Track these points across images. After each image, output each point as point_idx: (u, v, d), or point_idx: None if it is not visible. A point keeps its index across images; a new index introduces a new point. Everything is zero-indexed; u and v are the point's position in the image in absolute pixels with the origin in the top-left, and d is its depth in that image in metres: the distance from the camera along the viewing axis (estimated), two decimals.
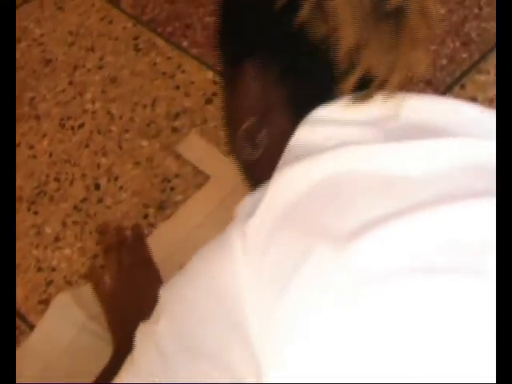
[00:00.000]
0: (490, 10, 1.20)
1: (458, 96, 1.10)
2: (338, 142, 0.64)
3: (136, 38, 1.19)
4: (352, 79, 0.65)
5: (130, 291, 0.89)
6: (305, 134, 0.65)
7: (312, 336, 0.58)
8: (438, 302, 0.57)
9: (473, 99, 1.09)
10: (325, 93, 0.66)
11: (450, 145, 0.65)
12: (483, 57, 1.14)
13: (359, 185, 0.62)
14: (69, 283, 0.94)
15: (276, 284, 0.59)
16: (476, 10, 1.21)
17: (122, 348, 0.72)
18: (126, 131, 1.08)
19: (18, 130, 1.07)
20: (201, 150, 1.04)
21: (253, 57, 0.68)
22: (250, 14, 0.72)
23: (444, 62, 1.14)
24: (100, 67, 1.16)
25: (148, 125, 1.08)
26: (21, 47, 1.18)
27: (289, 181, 0.62)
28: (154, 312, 0.63)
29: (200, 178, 1.02)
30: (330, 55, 0.65)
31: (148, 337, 0.63)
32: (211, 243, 0.62)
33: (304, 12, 0.64)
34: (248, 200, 0.62)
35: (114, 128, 1.09)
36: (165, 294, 0.63)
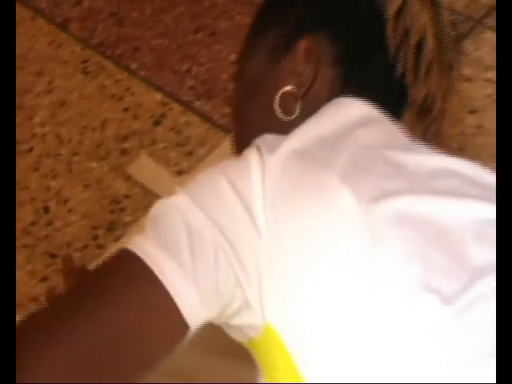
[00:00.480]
0: None
1: None
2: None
3: (85, 62, 1.20)
4: (414, 108, 0.78)
5: None
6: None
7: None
8: None
9: None
10: (377, 100, 0.73)
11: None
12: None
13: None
14: (19, 306, 0.91)
15: (286, 207, 0.63)
16: None
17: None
18: (76, 154, 1.08)
19: None
20: (151, 171, 1.05)
21: (319, 31, 0.75)
22: None
23: None
24: (49, 91, 1.17)
25: (97, 147, 1.09)
26: None
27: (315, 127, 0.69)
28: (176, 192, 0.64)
29: (149, 199, 1.01)
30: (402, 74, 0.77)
31: (165, 206, 0.63)
32: (229, 163, 0.66)
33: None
34: (266, 141, 0.67)
35: (63, 151, 1.09)
36: (178, 188, 0.64)
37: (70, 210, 1.03)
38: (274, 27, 0.80)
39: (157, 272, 0.57)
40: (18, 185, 1.05)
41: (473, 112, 1.14)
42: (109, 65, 1.19)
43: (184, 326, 0.59)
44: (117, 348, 0.59)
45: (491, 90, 1.15)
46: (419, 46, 0.79)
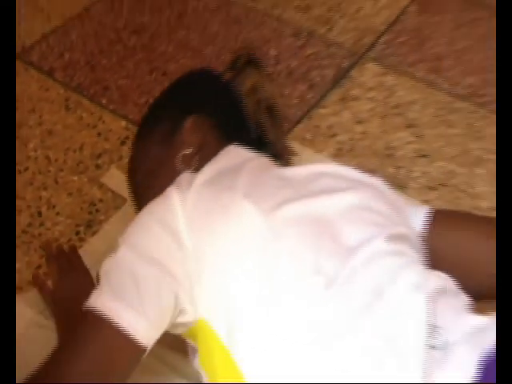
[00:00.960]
0: (330, 62, 1.33)
1: (306, 125, 1.21)
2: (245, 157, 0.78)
3: (67, 100, 1.24)
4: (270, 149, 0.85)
5: (68, 289, 0.91)
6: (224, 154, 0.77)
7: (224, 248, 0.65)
8: None
9: (316, 126, 1.21)
10: (244, 143, 0.80)
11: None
12: (324, 96, 1.26)
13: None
14: (19, 289, 0.95)
15: (203, 225, 0.66)
16: (317, 63, 1.33)
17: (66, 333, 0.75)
18: (61, 170, 1.11)
19: None
20: (119, 179, 1.07)
21: (200, 113, 0.80)
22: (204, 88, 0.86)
23: (295, 101, 1.24)
24: (39, 124, 1.19)
25: (77, 164, 1.12)
26: None
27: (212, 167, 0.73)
28: (112, 252, 0.67)
29: (119, 201, 1.06)
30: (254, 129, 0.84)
31: (113, 261, 0.65)
32: (154, 201, 0.69)
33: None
34: (184, 178, 0.71)
35: (51, 168, 1.12)
36: (120, 240, 0.67)
37: (57, 213, 1.05)
38: (161, 122, 0.83)
39: (116, 318, 0.61)
40: (18, 196, 1.07)
41: (359, 122, 1.22)
42: (85, 101, 1.23)
43: (143, 347, 0.63)
44: (103, 371, 0.62)
45: (373, 105, 1.25)
46: (268, 109, 0.86)
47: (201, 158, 0.77)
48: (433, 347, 0.60)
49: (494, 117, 1.23)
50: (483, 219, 0.85)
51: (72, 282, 0.92)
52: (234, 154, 0.78)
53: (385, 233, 0.69)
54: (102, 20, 1.41)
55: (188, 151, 0.78)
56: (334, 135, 1.19)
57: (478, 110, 1.25)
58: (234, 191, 0.69)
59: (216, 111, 0.83)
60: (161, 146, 0.81)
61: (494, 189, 1.11)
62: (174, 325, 0.67)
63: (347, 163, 1.11)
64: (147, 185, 0.80)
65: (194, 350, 0.70)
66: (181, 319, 0.67)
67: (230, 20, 1.42)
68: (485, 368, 0.57)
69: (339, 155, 1.15)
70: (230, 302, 0.64)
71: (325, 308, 0.62)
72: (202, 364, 0.69)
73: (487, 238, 0.76)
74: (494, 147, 1.18)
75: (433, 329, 0.61)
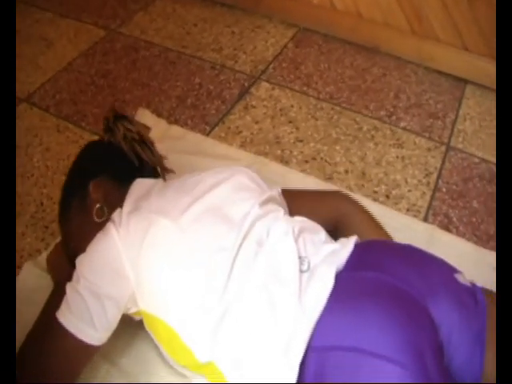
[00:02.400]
0: (236, 84, 1.30)
1: (220, 128, 1.18)
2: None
3: (58, 126, 1.19)
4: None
5: (58, 257, 0.83)
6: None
7: (157, 266, 0.61)
8: None
9: (228, 128, 1.18)
10: (140, 175, 0.75)
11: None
12: (232, 107, 1.24)
13: (169, 190, 0.70)
14: (30, 255, 0.92)
15: (135, 244, 0.62)
16: (227, 85, 1.30)
17: (59, 283, 0.70)
18: (55, 173, 1.09)
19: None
20: None
21: (97, 178, 0.73)
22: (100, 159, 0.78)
23: (213, 112, 1.21)
24: (40, 144, 1.15)
25: (66, 169, 0.99)
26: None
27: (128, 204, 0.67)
28: (74, 274, 0.62)
29: None
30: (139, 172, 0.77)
31: (73, 289, 0.62)
32: (99, 235, 0.64)
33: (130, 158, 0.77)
34: (115, 215, 0.65)
35: (49, 173, 1.08)
36: (77, 263, 0.63)
37: (54, 203, 1.02)
38: (73, 194, 0.75)
39: (73, 330, 0.59)
40: (27, 193, 1.04)
41: (257, 122, 1.20)
42: (70, 125, 1.19)
43: (96, 346, 0.61)
44: (64, 368, 0.61)
45: (266, 110, 1.22)
46: (140, 143, 0.78)
47: (109, 207, 0.70)
48: (302, 271, 0.60)
49: (345, 112, 1.24)
50: (307, 191, 0.86)
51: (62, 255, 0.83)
52: (141, 185, 0.72)
53: (258, 202, 0.68)
54: (80, 70, 1.36)
55: (98, 206, 0.70)
56: (239, 132, 1.18)
57: (335, 107, 1.25)
58: (150, 211, 0.64)
59: (107, 168, 0.76)
60: (80, 213, 0.73)
61: (346, 159, 1.12)
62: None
63: (249, 151, 1.12)
64: (82, 247, 0.67)
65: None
66: (127, 312, 0.65)
67: (167, 62, 1.39)
68: (336, 277, 0.58)
69: (244, 145, 1.14)
70: (162, 291, 0.61)
71: (232, 268, 0.60)
72: (148, 327, 0.66)
73: (308, 198, 0.80)
74: (347, 131, 1.18)
75: (301, 259, 0.61)
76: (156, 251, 0.62)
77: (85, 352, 0.61)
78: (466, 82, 1.32)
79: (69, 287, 0.61)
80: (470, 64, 1.30)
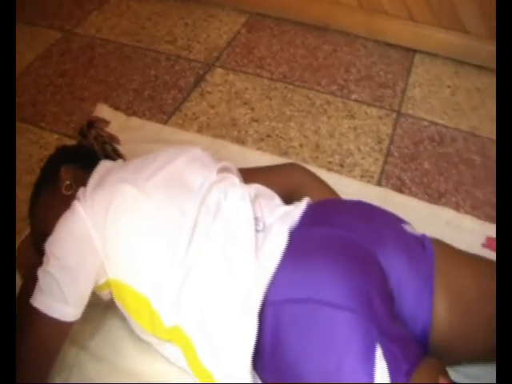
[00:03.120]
0: (191, 72, 1.31)
1: (178, 116, 1.19)
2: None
3: (19, 128, 1.16)
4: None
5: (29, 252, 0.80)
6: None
7: (126, 232, 0.63)
8: None
9: (185, 115, 1.19)
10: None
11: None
12: (189, 95, 1.25)
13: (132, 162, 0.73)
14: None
15: (102, 214, 0.63)
16: (183, 74, 1.30)
17: (28, 276, 0.69)
18: (20, 174, 1.03)
19: None
20: None
21: (67, 164, 0.74)
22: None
23: (170, 101, 1.22)
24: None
25: (28, 167, 1.07)
26: None
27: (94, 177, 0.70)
28: (44, 258, 0.63)
29: None
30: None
31: (43, 271, 0.62)
32: (65, 214, 0.65)
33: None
34: (80, 193, 0.67)
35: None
36: (46, 246, 0.64)
37: (20, 202, 0.89)
38: (45, 182, 0.76)
39: (46, 310, 0.60)
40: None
41: (213, 107, 1.21)
42: (30, 127, 1.17)
43: (70, 322, 0.61)
44: (42, 350, 0.61)
45: (221, 95, 1.24)
46: (106, 143, 0.85)
47: (76, 183, 0.72)
48: (258, 231, 0.62)
49: (298, 89, 1.27)
50: (262, 167, 0.86)
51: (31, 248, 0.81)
52: (103, 166, 0.75)
53: (214, 170, 0.70)
54: (38, 72, 1.36)
55: (67, 183, 0.72)
56: (196, 118, 1.20)
57: (288, 86, 1.28)
58: (113, 183, 0.67)
59: (77, 159, 0.79)
60: (49, 194, 0.75)
61: (300, 134, 1.15)
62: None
63: (206, 135, 1.14)
64: (51, 229, 0.67)
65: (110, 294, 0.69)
66: (97, 284, 0.66)
67: (123, 57, 1.40)
68: (290, 235, 0.60)
69: (201, 130, 1.16)
70: (129, 257, 0.63)
71: (193, 231, 0.62)
72: (116, 298, 0.67)
73: (263, 173, 0.81)
74: (300, 108, 1.21)
75: (256, 220, 0.64)
76: (122, 220, 0.63)
77: (60, 330, 0.61)
78: (414, 51, 1.36)
79: (40, 271, 0.62)
80: (417, 34, 1.34)
